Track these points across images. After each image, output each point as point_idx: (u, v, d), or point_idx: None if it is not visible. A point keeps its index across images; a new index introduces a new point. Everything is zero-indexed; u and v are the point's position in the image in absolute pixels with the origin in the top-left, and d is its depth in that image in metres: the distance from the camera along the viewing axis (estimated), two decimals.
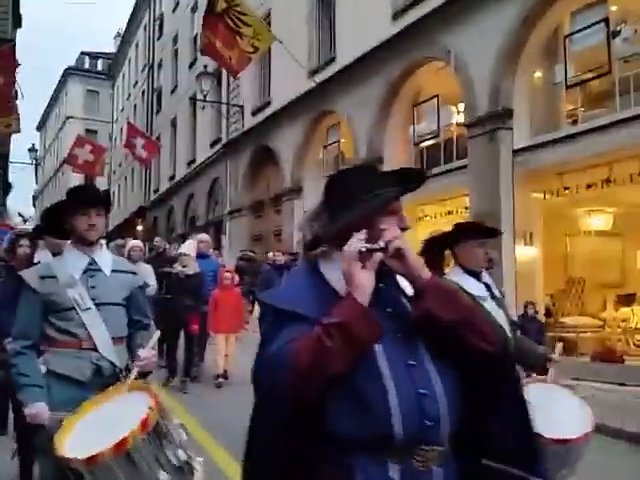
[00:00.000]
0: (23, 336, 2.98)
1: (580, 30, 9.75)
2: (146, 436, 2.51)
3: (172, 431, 2.67)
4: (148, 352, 2.98)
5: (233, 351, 9.09)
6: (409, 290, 1.69)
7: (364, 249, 1.54)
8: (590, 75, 9.72)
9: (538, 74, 10.85)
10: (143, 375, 2.95)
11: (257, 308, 9.44)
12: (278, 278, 8.98)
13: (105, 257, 3.21)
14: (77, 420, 2.68)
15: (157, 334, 3.10)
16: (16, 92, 10.60)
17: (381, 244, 1.56)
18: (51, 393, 2.93)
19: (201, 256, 9.53)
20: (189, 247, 9.26)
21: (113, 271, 3.16)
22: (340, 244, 1.60)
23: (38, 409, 2.84)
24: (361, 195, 1.66)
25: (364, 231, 1.57)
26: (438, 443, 1.55)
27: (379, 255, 1.56)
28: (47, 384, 2.94)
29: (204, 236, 10.56)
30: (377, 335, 1.51)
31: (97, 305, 3.03)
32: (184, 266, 8.71)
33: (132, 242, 9.48)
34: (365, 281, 1.53)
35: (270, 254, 9.47)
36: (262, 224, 20.22)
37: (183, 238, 25.79)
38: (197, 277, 8.78)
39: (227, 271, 9.59)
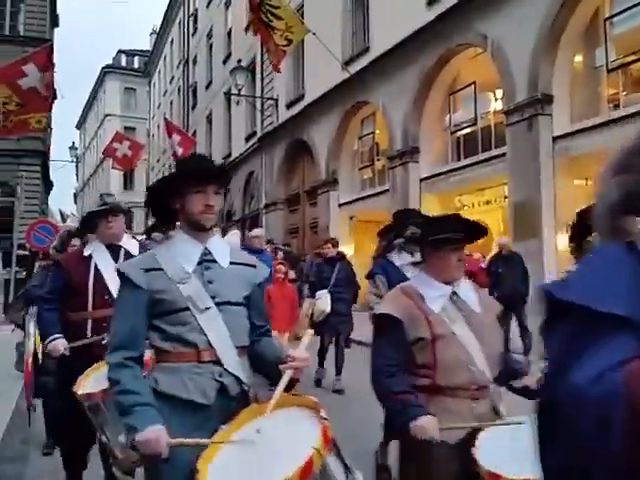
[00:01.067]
0: (126, 346, 2.26)
1: (621, 12, 9.48)
2: None
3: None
4: (303, 352, 2.25)
5: None
6: None
7: None
8: (632, 58, 9.44)
9: (578, 58, 10.58)
10: (290, 385, 2.22)
11: (306, 303, 8.96)
12: (329, 271, 8.64)
13: (220, 246, 2.51)
14: (220, 446, 2.12)
15: (310, 333, 2.39)
16: (54, 91, 10.70)
17: None
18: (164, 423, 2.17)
19: (257, 251, 8.66)
20: (234, 241, 8.97)
21: (231, 263, 2.47)
22: None
23: (156, 435, 2.10)
24: None
25: None
26: None
27: None
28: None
29: (259, 231, 9.95)
30: None
31: (216, 305, 2.35)
32: None
33: None
34: None
35: (325, 249, 8.91)
36: (298, 217, 20.25)
37: (224, 232, 26.02)
38: None
39: (280, 263, 9.05)
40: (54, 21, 31.34)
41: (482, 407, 2.53)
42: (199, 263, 2.39)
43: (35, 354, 5.06)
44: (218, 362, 2.30)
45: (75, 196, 67.79)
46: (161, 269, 2.34)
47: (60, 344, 3.66)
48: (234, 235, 9.23)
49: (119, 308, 2.37)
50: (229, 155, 26.21)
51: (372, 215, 16.87)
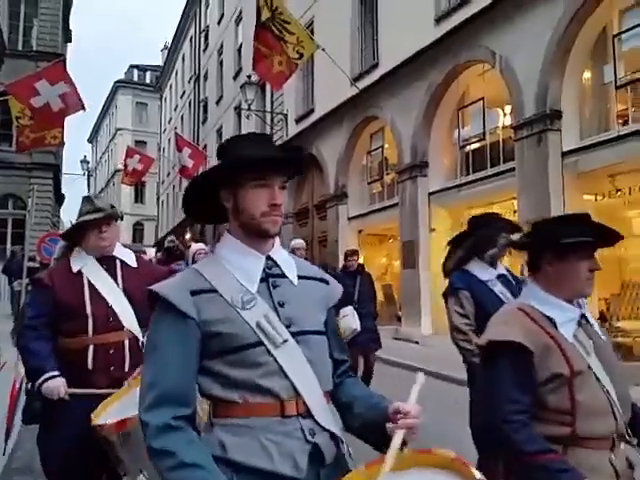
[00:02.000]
0: (173, 400, 1.60)
1: (629, 29, 9.52)
2: None
3: None
4: (415, 405, 1.63)
5: None
6: None
7: None
8: None
9: (587, 74, 10.61)
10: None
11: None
12: (351, 285, 7.78)
13: (284, 256, 1.87)
14: None
15: (422, 378, 1.70)
16: (82, 103, 10.68)
17: None
18: None
19: None
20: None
21: (300, 277, 1.84)
22: None
23: None
24: None
25: None
26: None
27: None
28: None
29: (300, 243, 9.06)
30: None
31: (292, 335, 1.72)
32: None
33: (196, 245, 7.97)
34: None
35: (351, 261, 8.24)
36: (307, 230, 20.28)
37: None
38: None
39: None
40: (67, 36, 31.74)
41: (620, 459, 2.01)
42: (263, 280, 1.76)
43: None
44: (307, 415, 1.67)
45: None
46: (214, 290, 1.70)
47: (60, 385, 2.94)
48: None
49: (157, 345, 1.67)
50: None
51: (381, 229, 16.91)
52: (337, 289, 1.95)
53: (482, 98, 12.54)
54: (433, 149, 13.82)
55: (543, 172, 10.23)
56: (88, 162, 38.20)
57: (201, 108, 33.84)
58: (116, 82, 56.27)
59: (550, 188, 10.13)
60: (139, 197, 52.61)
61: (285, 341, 1.68)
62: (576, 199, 10.29)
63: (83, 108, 10.50)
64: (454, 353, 3.96)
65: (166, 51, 45.50)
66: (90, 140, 71.00)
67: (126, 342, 3.13)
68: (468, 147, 13.26)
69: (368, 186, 17.00)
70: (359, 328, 7.56)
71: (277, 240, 1.86)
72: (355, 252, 8.29)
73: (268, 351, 1.66)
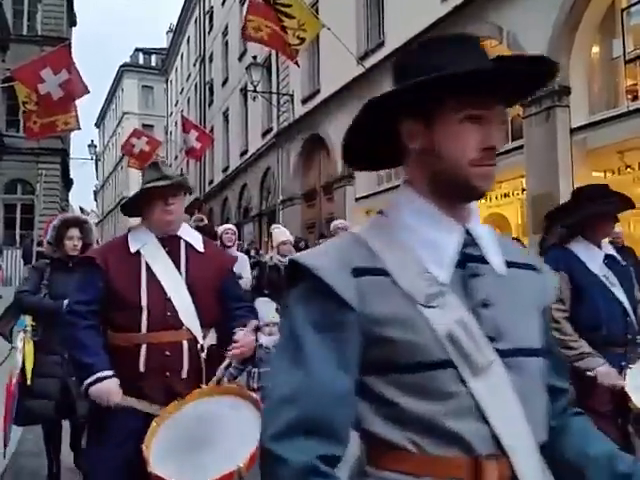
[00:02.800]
0: (318, 429, 1.04)
1: (638, 3, 9.38)
2: None
3: None
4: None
5: None
6: None
7: None
8: None
9: (595, 49, 10.48)
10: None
11: None
12: None
13: (484, 229, 1.25)
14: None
15: None
16: (85, 86, 10.65)
17: None
18: None
19: None
20: (286, 233, 7.60)
21: (509, 265, 1.23)
22: None
23: None
24: None
25: None
26: None
27: None
28: None
29: (345, 222, 8.34)
30: None
31: (500, 355, 1.13)
32: (284, 256, 6.73)
33: (224, 225, 8.05)
34: None
35: None
36: (315, 212, 20.28)
37: (238, 227, 26.12)
38: None
39: None
40: (71, 20, 31.63)
41: None
42: (459, 264, 1.17)
43: (24, 372, 4.06)
44: None
45: (95, 194, 68.44)
46: (383, 272, 1.13)
47: (113, 389, 2.45)
48: (285, 231, 7.95)
49: (300, 343, 1.09)
50: (246, 151, 26.31)
51: None
52: (552, 280, 1.35)
53: None
54: None
55: (552, 149, 10.15)
56: (96, 146, 38.25)
57: (207, 90, 33.73)
58: (122, 66, 56.11)
59: (559, 165, 10.05)
60: None
61: (490, 364, 1.09)
62: (585, 176, 10.20)
63: (87, 91, 10.48)
64: None
65: (171, 33, 45.29)
66: (97, 124, 71.04)
67: (184, 344, 2.59)
68: None
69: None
70: None
71: (475, 205, 1.25)
72: None
73: (461, 377, 1.08)
